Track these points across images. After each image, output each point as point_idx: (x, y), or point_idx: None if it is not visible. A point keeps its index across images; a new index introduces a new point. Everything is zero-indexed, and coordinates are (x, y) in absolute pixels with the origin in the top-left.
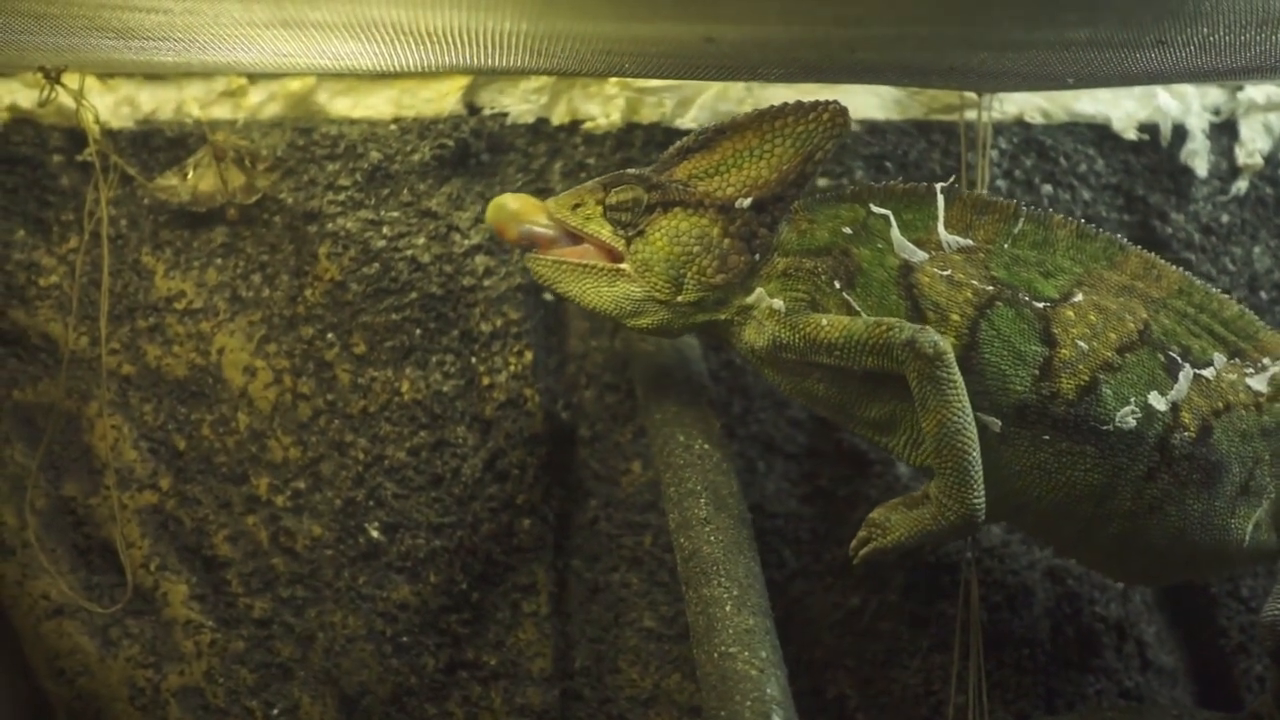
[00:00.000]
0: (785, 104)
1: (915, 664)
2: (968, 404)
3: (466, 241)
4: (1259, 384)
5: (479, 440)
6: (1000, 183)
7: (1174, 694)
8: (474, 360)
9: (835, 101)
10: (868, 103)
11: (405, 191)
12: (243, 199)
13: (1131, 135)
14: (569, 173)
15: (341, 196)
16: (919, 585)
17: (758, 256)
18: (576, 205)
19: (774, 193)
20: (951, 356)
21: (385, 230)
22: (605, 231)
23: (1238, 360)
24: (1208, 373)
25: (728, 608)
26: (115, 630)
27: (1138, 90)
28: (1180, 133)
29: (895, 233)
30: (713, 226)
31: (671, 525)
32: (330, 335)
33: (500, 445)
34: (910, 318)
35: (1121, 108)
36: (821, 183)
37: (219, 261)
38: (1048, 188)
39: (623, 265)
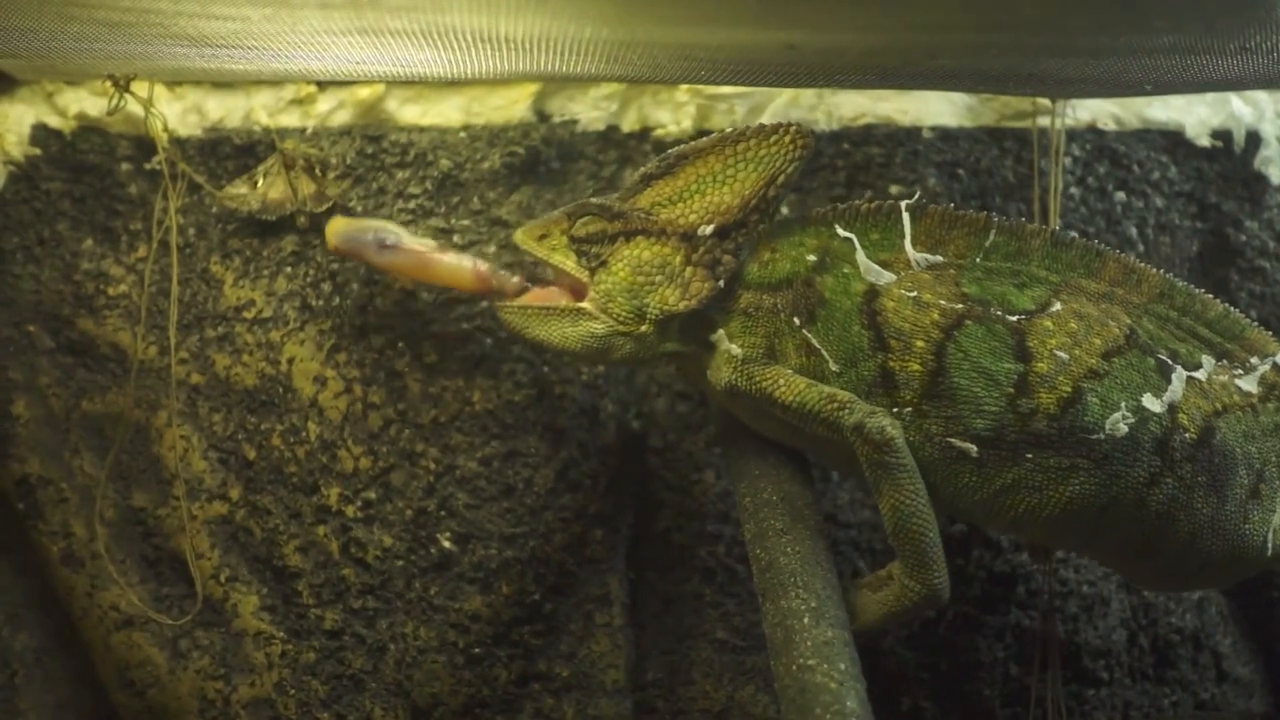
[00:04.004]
0: (746, 127)
1: (991, 676)
2: (921, 486)
3: None
4: (1249, 385)
5: (551, 450)
6: (1073, 190)
7: (1250, 705)
8: (546, 369)
9: (797, 124)
10: (940, 109)
11: (475, 199)
12: (313, 207)
13: (1205, 142)
14: None
15: (411, 205)
16: (994, 597)
17: (722, 283)
18: (542, 236)
19: (737, 218)
20: (901, 441)
21: (456, 239)
22: (569, 262)
23: (1225, 362)
24: (1199, 375)
25: (806, 620)
26: (185, 642)
27: (1211, 97)
28: (1254, 139)
29: (860, 255)
30: (675, 255)
31: (747, 536)
32: (401, 344)
33: (572, 455)
34: (873, 348)
35: (1195, 114)
36: (893, 189)
37: (288, 270)
38: (1120, 195)
39: (584, 304)
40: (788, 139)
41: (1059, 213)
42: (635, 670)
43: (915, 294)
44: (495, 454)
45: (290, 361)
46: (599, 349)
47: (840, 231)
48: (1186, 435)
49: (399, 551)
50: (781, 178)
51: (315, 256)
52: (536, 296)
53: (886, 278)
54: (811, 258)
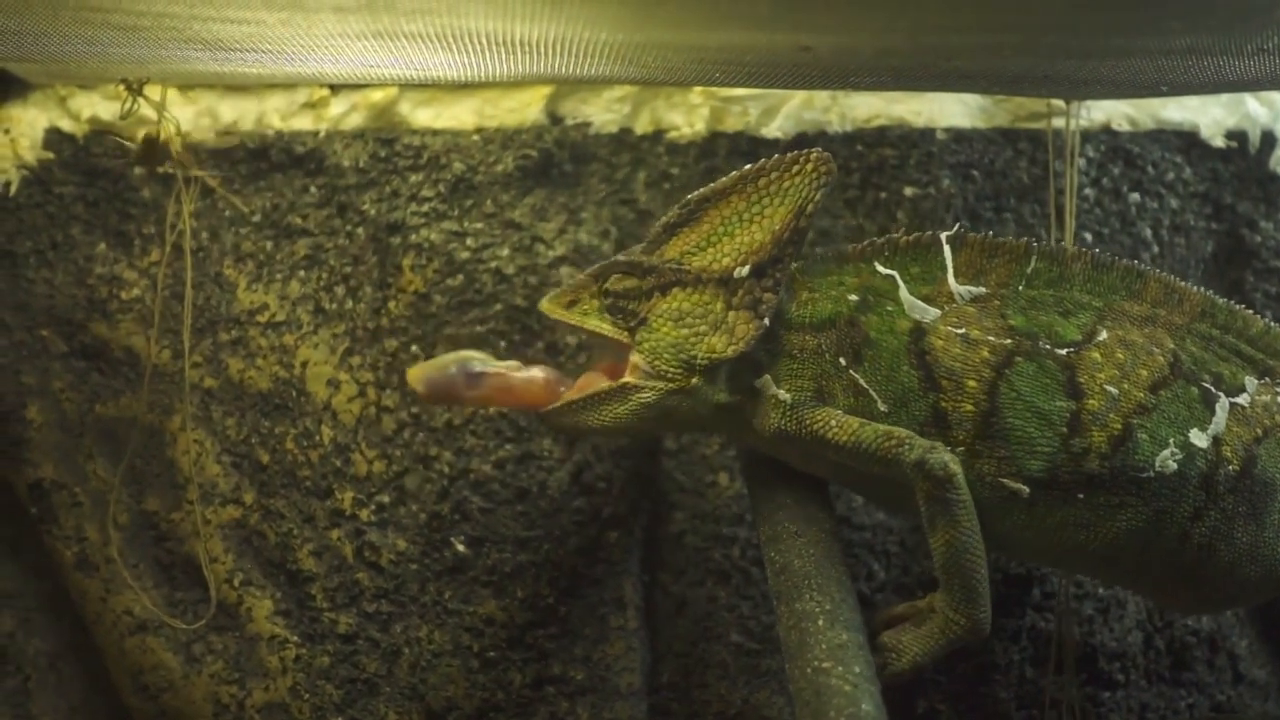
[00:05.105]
0: (765, 161)
1: (1007, 679)
2: (976, 522)
3: (551, 253)
4: None
5: (565, 453)
6: (1088, 191)
7: (1267, 708)
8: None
9: (817, 149)
10: (954, 111)
11: (489, 202)
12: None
13: (1219, 143)
14: (653, 182)
15: (425, 208)
16: (1009, 599)
17: (767, 321)
18: (571, 303)
19: (771, 255)
20: (961, 477)
21: (469, 242)
22: (606, 325)
23: (1268, 380)
24: (1242, 399)
25: (820, 622)
26: (199, 646)
27: (1225, 97)
28: (1269, 140)
29: (904, 293)
30: (715, 301)
31: (761, 539)
32: (414, 347)
33: (586, 458)
34: (923, 388)
35: (1209, 115)
36: (907, 191)
37: (302, 274)
38: (1135, 196)
39: (626, 379)
40: (810, 167)
41: (1074, 214)
42: (650, 673)
43: (963, 331)
44: (509, 457)
45: (304, 365)
46: (655, 416)
47: (881, 269)
48: (1230, 468)
49: (413, 555)
50: (810, 207)
51: (328, 260)
52: (575, 389)
53: (931, 314)
54: (853, 297)
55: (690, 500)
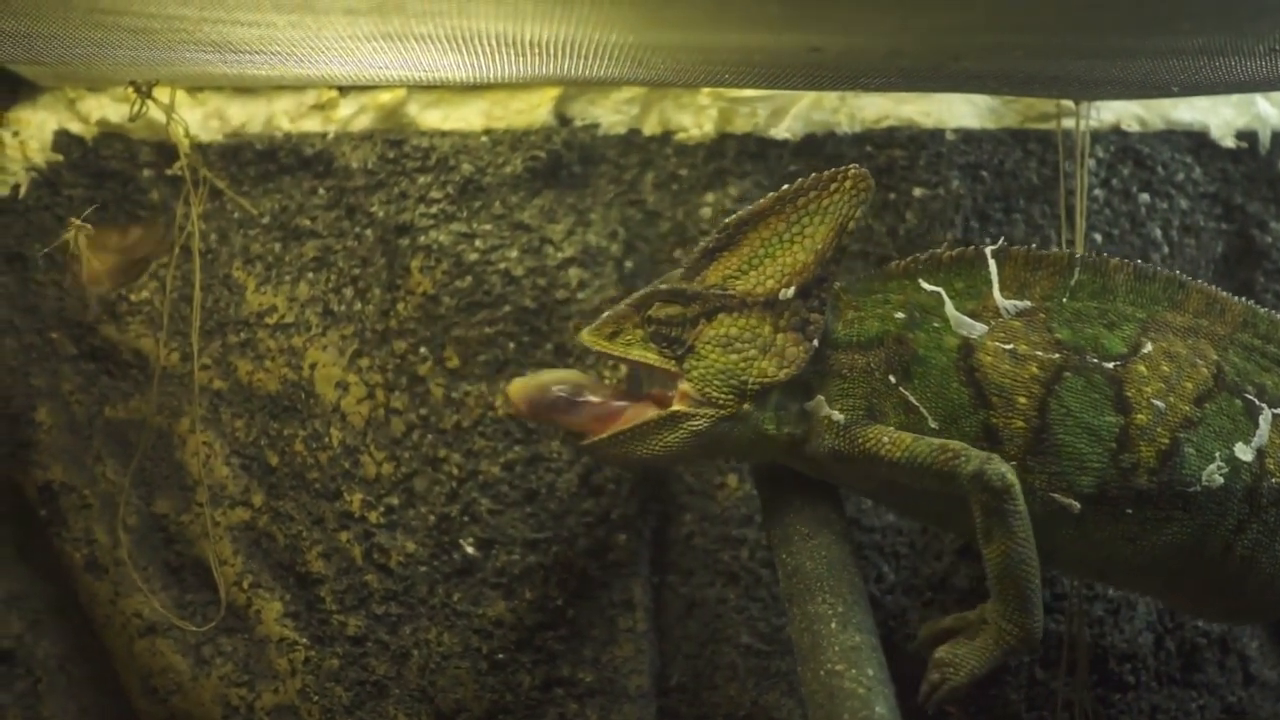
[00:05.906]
0: (802, 181)
1: (1017, 680)
2: (1031, 533)
3: (559, 254)
4: None
5: (574, 454)
6: (1098, 191)
7: (1278, 709)
8: None
9: (854, 165)
10: (963, 111)
11: (497, 204)
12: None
13: (1230, 143)
14: (661, 184)
15: (433, 209)
16: None
17: (816, 342)
18: (614, 333)
19: (815, 275)
20: (1018, 488)
21: (478, 243)
22: (652, 355)
23: None
24: None
25: (833, 625)
26: (208, 648)
27: (1235, 98)
28: (1279, 141)
29: (950, 309)
30: (762, 325)
31: (772, 541)
32: (423, 349)
33: (594, 460)
34: (974, 405)
35: (1219, 115)
36: (917, 192)
37: (310, 275)
38: (1145, 197)
39: (675, 407)
40: (848, 184)
41: (1084, 215)
42: (659, 675)
43: (1011, 346)
44: (518, 459)
45: (312, 367)
46: (707, 444)
47: (925, 285)
48: (1273, 480)
49: (422, 557)
50: (850, 224)
51: (337, 262)
52: (623, 420)
53: (979, 330)
54: (900, 314)
55: (699, 502)
